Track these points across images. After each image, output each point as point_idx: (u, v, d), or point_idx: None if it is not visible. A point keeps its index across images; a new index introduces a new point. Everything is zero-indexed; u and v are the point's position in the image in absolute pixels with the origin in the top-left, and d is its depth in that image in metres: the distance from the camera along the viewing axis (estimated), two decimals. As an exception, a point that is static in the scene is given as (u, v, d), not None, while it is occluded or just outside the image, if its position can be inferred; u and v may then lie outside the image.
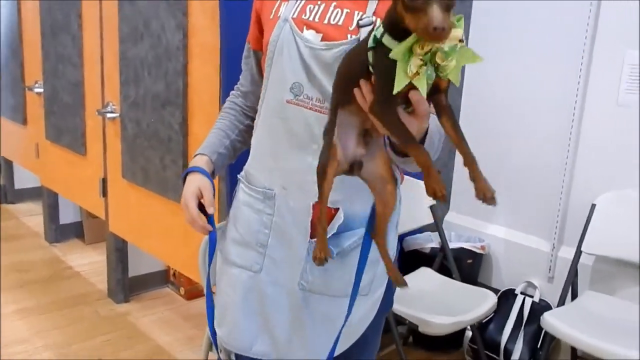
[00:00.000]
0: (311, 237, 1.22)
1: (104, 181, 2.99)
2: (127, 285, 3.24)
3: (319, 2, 1.22)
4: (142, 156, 2.56)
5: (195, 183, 1.30)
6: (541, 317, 2.23)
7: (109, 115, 2.79)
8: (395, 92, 0.79)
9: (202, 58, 2.16)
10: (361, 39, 1.06)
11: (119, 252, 3.18)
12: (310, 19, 1.21)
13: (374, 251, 1.20)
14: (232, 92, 1.47)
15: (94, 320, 3.06)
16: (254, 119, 1.35)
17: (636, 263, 2.38)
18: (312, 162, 1.08)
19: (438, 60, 0.77)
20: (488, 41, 2.85)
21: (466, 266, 2.85)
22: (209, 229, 1.32)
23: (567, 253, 2.67)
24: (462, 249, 2.82)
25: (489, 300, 2.39)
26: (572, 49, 2.55)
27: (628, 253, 2.39)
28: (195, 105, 2.24)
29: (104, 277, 3.33)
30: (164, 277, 3.45)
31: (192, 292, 3.29)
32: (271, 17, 1.26)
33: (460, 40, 0.77)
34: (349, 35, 1.16)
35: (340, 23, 1.18)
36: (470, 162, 0.83)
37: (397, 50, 0.78)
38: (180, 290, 3.34)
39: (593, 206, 2.47)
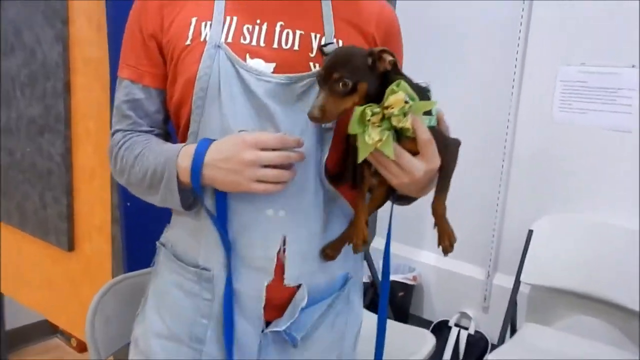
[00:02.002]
0: (268, 321, 0.98)
1: (-28, 220, 2.50)
2: (4, 340, 2.74)
3: (258, 21, 0.94)
4: (18, 192, 2.13)
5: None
6: (485, 360, 2.04)
7: (-25, 142, 2.32)
8: (359, 161, 0.85)
9: (87, 75, 1.79)
10: None
11: (-7, 303, 2.67)
12: (253, 43, 0.93)
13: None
14: (119, 135, 1.02)
15: (-36, 387, 2.55)
16: None
17: (574, 291, 2.25)
18: (265, 232, 0.92)
19: (395, 123, 0.81)
20: (416, 63, 2.65)
21: (398, 299, 2.64)
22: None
23: (502, 281, 2.52)
24: (393, 281, 2.59)
25: (427, 342, 2.16)
26: (503, 68, 2.41)
27: (565, 281, 2.26)
28: (81, 131, 1.86)
29: (-25, 332, 2.81)
30: (50, 327, 2.97)
31: (85, 344, 2.84)
32: (188, 42, 0.94)
33: (406, 102, 0.80)
34: (312, 65, 0.91)
35: (296, 48, 0.93)
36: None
37: (350, 128, 0.83)
38: (72, 341, 2.92)
39: (530, 232, 2.32)
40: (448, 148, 0.89)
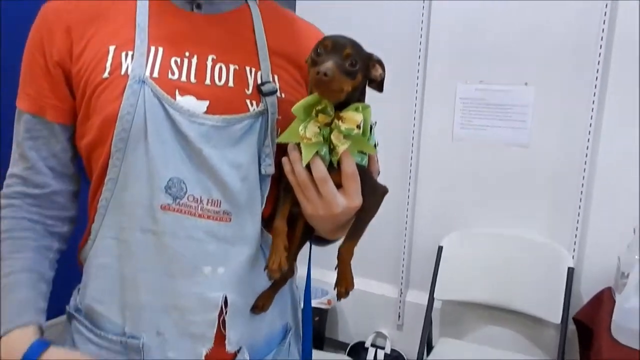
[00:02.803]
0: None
1: None
2: None
3: (186, 54, 0.83)
4: None
5: None
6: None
7: None
8: (277, 141, 0.83)
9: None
10: (269, 110, 0.85)
11: None
12: (183, 79, 0.82)
13: None
14: (12, 189, 0.88)
15: None
16: (65, 237, 0.91)
17: (484, 304, 2.31)
18: (203, 293, 0.82)
19: (334, 139, 0.77)
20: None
21: (313, 324, 2.56)
22: None
23: (415, 297, 2.54)
24: (307, 307, 2.52)
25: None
26: (406, 87, 2.43)
27: (475, 294, 2.32)
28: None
29: None
30: None
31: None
32: (105, 75, 0.81)
33: (358, 127, 0.77)
34: (249, 103, 0.83)
35: (231, 84, 0.84)
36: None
37: (297, 105, 0.78)
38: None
39: (440, 248, 2.35)
40: (374, 192, 0.83)
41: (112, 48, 0.82)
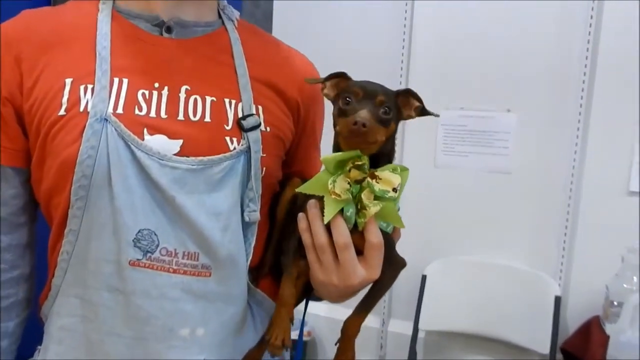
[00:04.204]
0: None
1: None
2: None
3: (156, 85, 0.74)
4: None
5: None
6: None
7: None
8: (297, 190, 0.72)
9: None
10: (252, 148, 0.75)
11: None
12: (152, 114, 0.73)
13: None
14: None
15: None
16: (21, 303, 0.80)
17: (468, 333, 2.26)
18: (180, 358, 0.72)
19: (364, 198, 0.68)
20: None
21: (290, 357, 2.47)
22: None
23: (398, 327, 2.47)
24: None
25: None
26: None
27: (459, 324, 2.26)
28: None
29: None
30: None
31: None
32: (62, 112, 0.71)
33: (394, 190, 0.68)
34: (229, 141, 0.73)
35: (207, 119, 0.74)
36: None
37: (329, 157, 0.69)
38: None
39: (424, 277, 2.29)
40: (393, 265, 0.75)
41: (68, 81, 0.72)
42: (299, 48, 0.93)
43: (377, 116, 0.67)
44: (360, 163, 0.68)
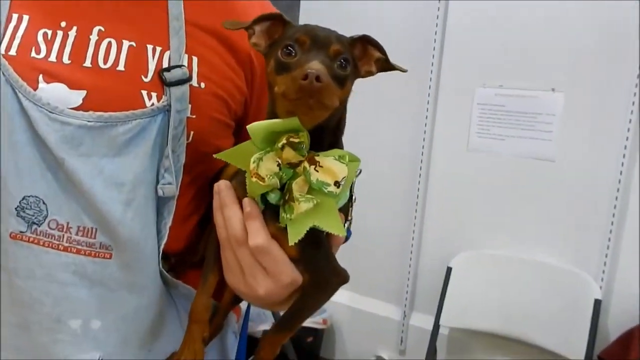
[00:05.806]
0: None
1: None
2: None
3: (62, 24, 0.61)
4: None
5: None
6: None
7: None
8: (216, 156, 0.56)
9: None
10: (172, 106, 0.61)
11: None
12: (52, 59, 0.60)
13: None
14: None
15: None
16: None
17: (493, 333, 2.07)
18: (69, 355, 0.60)
19: (295, 188, 0.52)
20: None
21: (306, 345, 2.36)
22: None
23: (419, 321, 2.32)
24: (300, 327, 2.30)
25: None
26: (417, 89, 2.20)
27: (484, 323, 2.07)
28: None
29: None
30: None
31: None
32: None
33: (336, 184, 0.52)
34: (146, 96, 0.60)
35: (121, 67, 0.61)
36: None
37: (258, 125, 0.53)
38: None
39: (449, 269, 2.11)
40: (322, 278, 0.57)
41: None
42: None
43: (332, 70, 0.51)
44: (297, 140, 0.51)
